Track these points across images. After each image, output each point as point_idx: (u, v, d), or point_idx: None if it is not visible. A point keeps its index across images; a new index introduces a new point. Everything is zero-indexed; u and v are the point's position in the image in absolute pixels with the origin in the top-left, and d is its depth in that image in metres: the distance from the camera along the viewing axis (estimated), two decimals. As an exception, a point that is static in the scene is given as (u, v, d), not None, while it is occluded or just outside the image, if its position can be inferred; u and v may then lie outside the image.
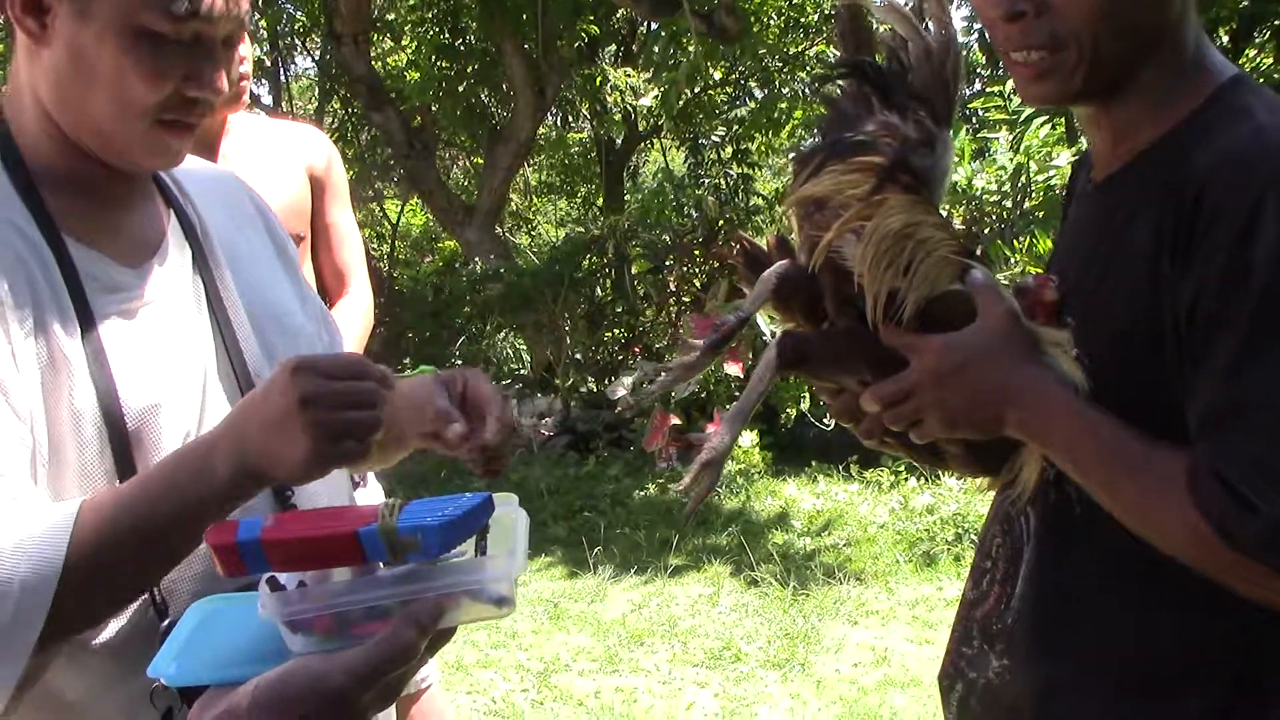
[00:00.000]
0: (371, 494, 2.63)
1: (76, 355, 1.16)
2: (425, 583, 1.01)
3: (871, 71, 1.33)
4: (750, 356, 6.39)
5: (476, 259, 8.70)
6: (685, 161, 9.42)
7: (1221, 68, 1.23)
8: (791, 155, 1.33)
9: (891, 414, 1.27)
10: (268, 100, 10.97)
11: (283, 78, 11.59)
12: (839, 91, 1.37)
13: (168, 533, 1.09)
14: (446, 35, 10.05)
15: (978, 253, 1.28)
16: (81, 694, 1.18)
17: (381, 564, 1.03)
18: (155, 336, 1.25)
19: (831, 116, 1.36)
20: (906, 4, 1.35)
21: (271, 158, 2.74)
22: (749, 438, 6.75)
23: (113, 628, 1.17)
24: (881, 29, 1.35)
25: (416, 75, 9.79)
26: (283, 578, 1.04)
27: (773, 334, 5.68)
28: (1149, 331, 1.15)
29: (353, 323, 2.84)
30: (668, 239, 8.36)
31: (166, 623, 1.15)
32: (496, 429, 1.31)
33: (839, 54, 1.41)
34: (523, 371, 8.81)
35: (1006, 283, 1.29)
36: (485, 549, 1.10)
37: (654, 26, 9.46)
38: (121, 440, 1.17)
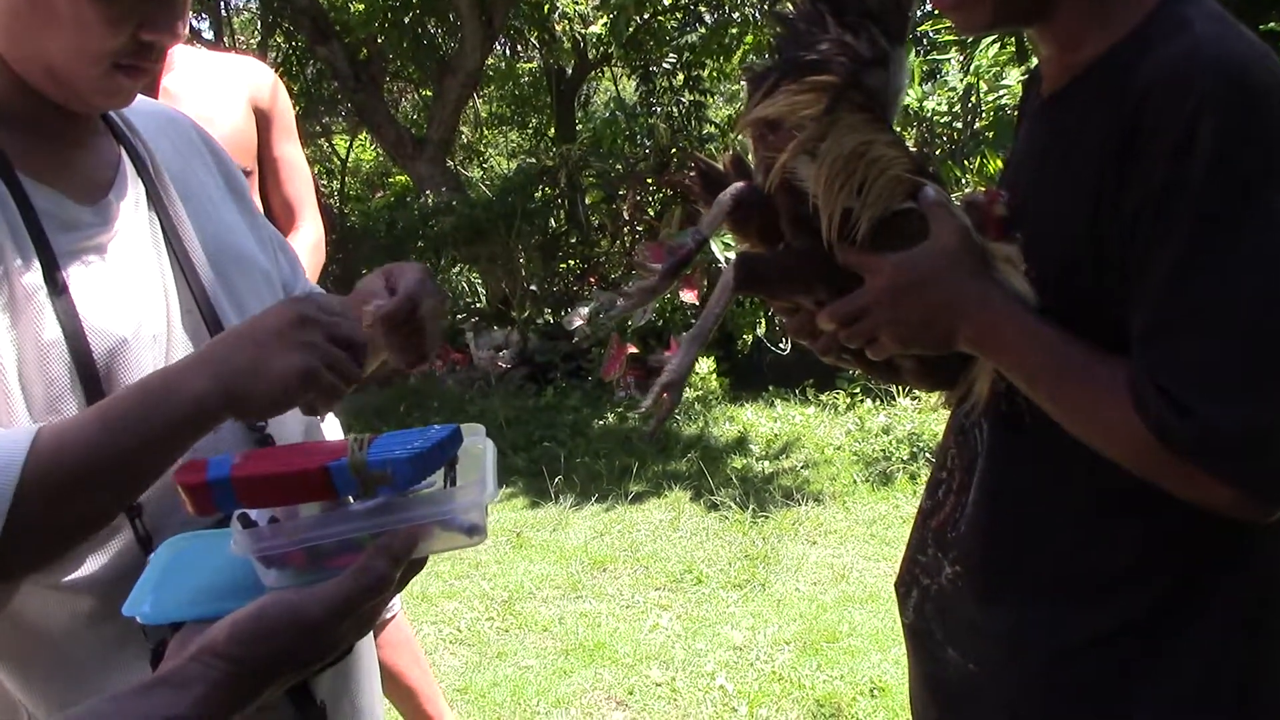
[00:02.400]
0: (331, 428, 2.63)
1: (40, 292, 1.15)
2: (397, 514, 1.02)
3: None
4: (705, 284, 6.41)
5: (428, 192, 8.62)
6: (636, 90, 9.33)
7: None
8: (745, 75, 1.32)
9: (847, 332, 1.29)
10: (209, 35, 10.75)
11: (223, 11, 11.35)
12: (792, 9, 1.37)
13: (128, 460, 1.07)
14: (391, -36, 9.87)
15: (930, 170, 1.29)
16: (67, 629, 1.18)
17: (352, 498, 1.04)
18: (117, 273, 1.24)
19: (785, 35, 1.35)
20: None
21: (215, 92, 2.70)
22: (706, 364, 6.79)
23: (96, 562, 1.17)
24: None
25: (361, 6, 9.61)
26: (254, 513, 1.05)
27: (727, 260, 5.69)
28: (1093, 243, 1.18)
29: (305, 256, 2.81)
30: (620, 168, 8.32)
31: (150, 556, 1.16)
32: (401, 301, 1.25)
33: None
34: (478, 305, 8.78)
35: (958, 199, 1.30)
36: (455, 480, 1.11)
37: (601, -49, 9.34)
38: (90, 376, 1.16)
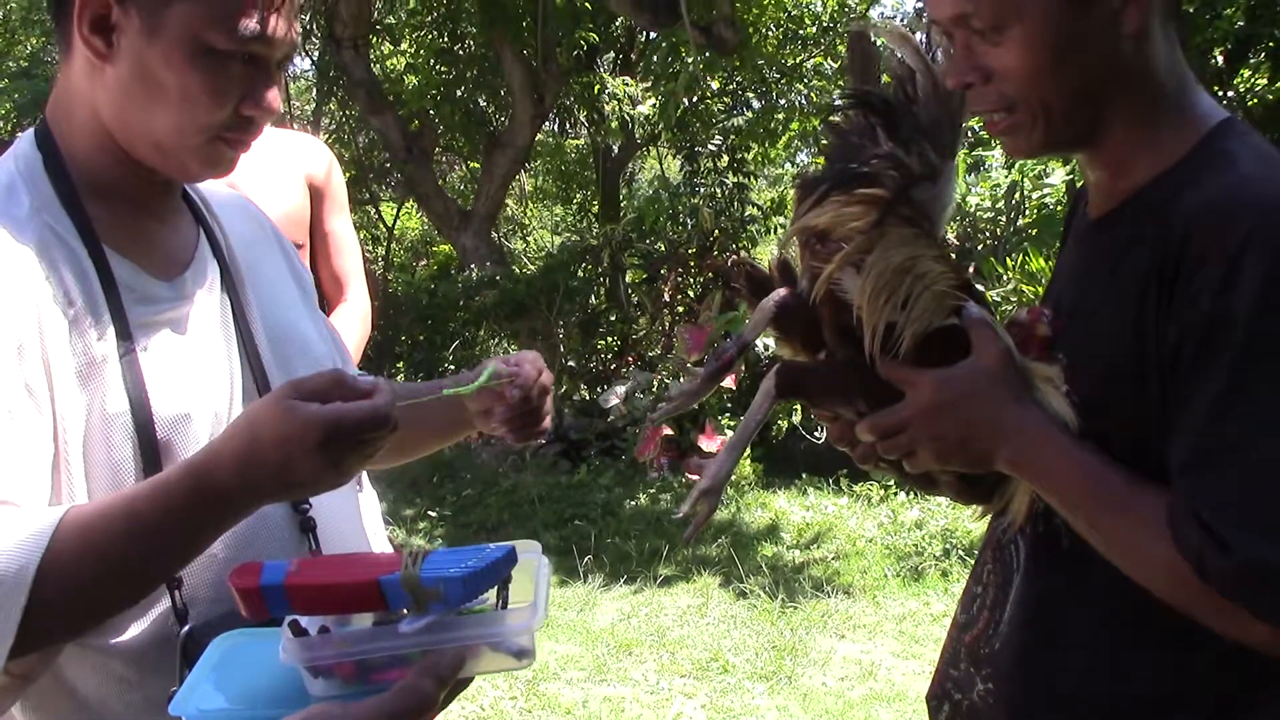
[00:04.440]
0: (367, 498, 2.64)
1: (111, 362, 1.19)
2: (446, 633, 1.02)
3: (878, 103, 1.34)
4: (743, 370, 6.42)
5: (472, 265, 8.70)
6: (681, 170, 9.42)
7: (1210, 112, 1.25)
8: (796, 182, 1.35)
9: (886, 445, 1.30)
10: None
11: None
12: (845, 121, 1.39)
13: (149, 556, 1.10)
14: (446, 40, 10.06)
15: (973, 278, 1.30)
16: (97, 691, 1.20)
17: (403, 612, 1.04)
18: (186, 349, 1.28)
19: (837, 145, 1.38)
20: (915, 34, 1.37)
21: (272, 167, 2.75)
22: (740, 449, 6.75)
23: (132, 631, 1.19)
24: (890, 58, 1.37)
25: (415, 79, 9.80)
26: (304, 620, 1.06)
27: (768, 350, 5.69)
28: (1135, 372, 1.18)
29: (351, 329, 2.85)
30: (662, 248, 8.38)
31: (186, 629, 1.18)
32: (532, 377, 1.44)
33: (847, 82, 1.43)
34: (516, 378, 8.78)
35: (1004, 303, 1.30)
36: (507, 600, 1.11)
37: (653, 36, 9.48)
38: (151, 448, 1.20)
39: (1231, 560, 1.07)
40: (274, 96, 1.27)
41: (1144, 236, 1.19)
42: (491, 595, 1.10)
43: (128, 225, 1.28)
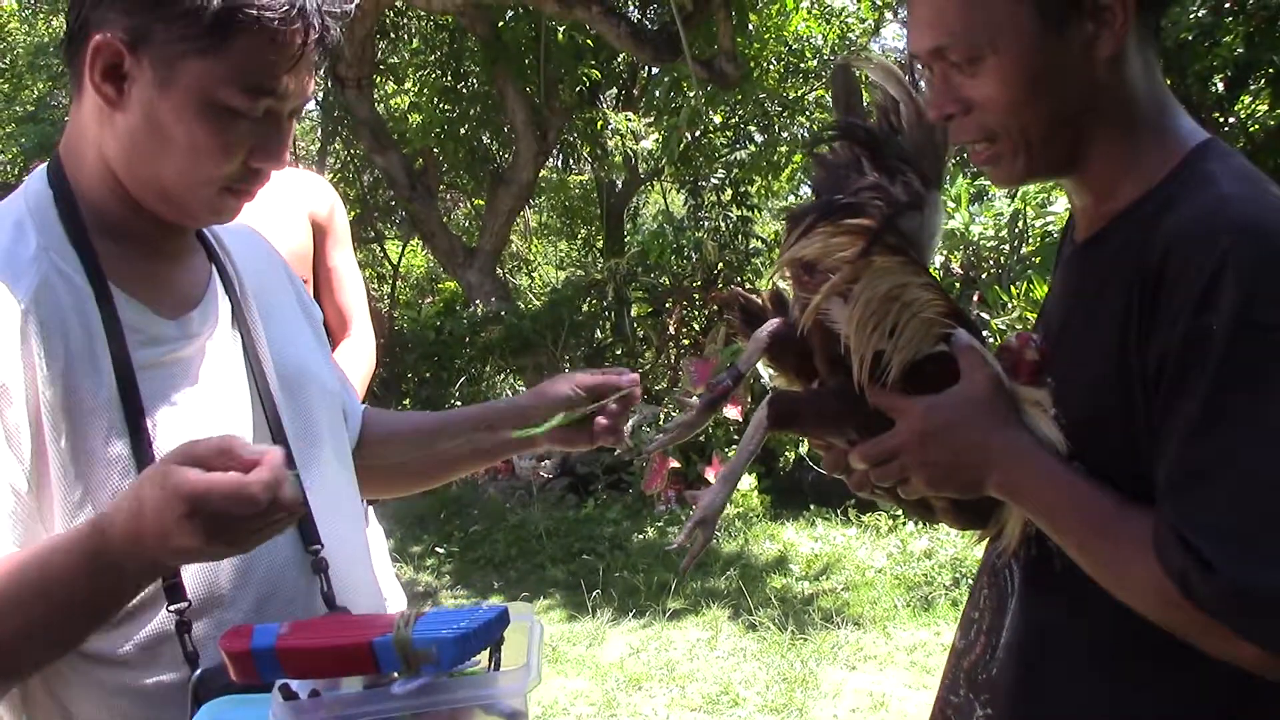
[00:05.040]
0: (374, 534, 2.64)
1: (111, 406, 1.19)
2: (440, 695, 1.02)
3: (862, 134, 1.36)
4: (749, 400, 6.40)
5: (477, 301, 8.73)
6: (685, 204, 9.46)
7: (1190, 133, 1.25)
8: (784, 215, 1.36)
9: (878, 472, 1.31)
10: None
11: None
12: (831, 152, 1.41)
13: (51, 621, 1.08)
14: (449, 79, 10.14)
15: (978, 306, 1.31)
16: None
17: (395, 674, 1.04)
18: (193, 390, 1.28)
19: (823, 177, 1.39)
20: (898, 65, 1.39)
21: (275, 205, 2.76)
22: (748, 481, 6.75)
23: (145, 676, 1.19)
24: (874, 90, 1.39)
25: (419, 118, 9.87)
26: (295, 684, 1.05)
27: (771, 379, 5.69)
28: (1119, 393, 1.18)
29: (356, 365, 2.85)
30: (667, 281, 8.40)
31: (197, 673, 1.17)
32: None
33: (832, 114, 1.44)
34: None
35: (1009, 330, 1.31)
36: (499, 661, 1.11)
37: (655, 71, 9.55)
38: None
39: (1215, 581, 1.06)
40: (283, 149, 1.27)
41: (1126, 258, 1.19)
42: (483, 657, 1.09)
43: (138, 265, 1.28)
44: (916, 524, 6.18)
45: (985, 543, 1.46)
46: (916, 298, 1.27)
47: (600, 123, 9.35)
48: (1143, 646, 1.21)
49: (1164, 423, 1.14)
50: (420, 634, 1.00)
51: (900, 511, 6.23)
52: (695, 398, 1.43)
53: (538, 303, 9.67)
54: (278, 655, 1.00)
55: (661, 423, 6.99)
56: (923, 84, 1.35)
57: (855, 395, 1.30)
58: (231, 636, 1.02)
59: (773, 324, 1.40)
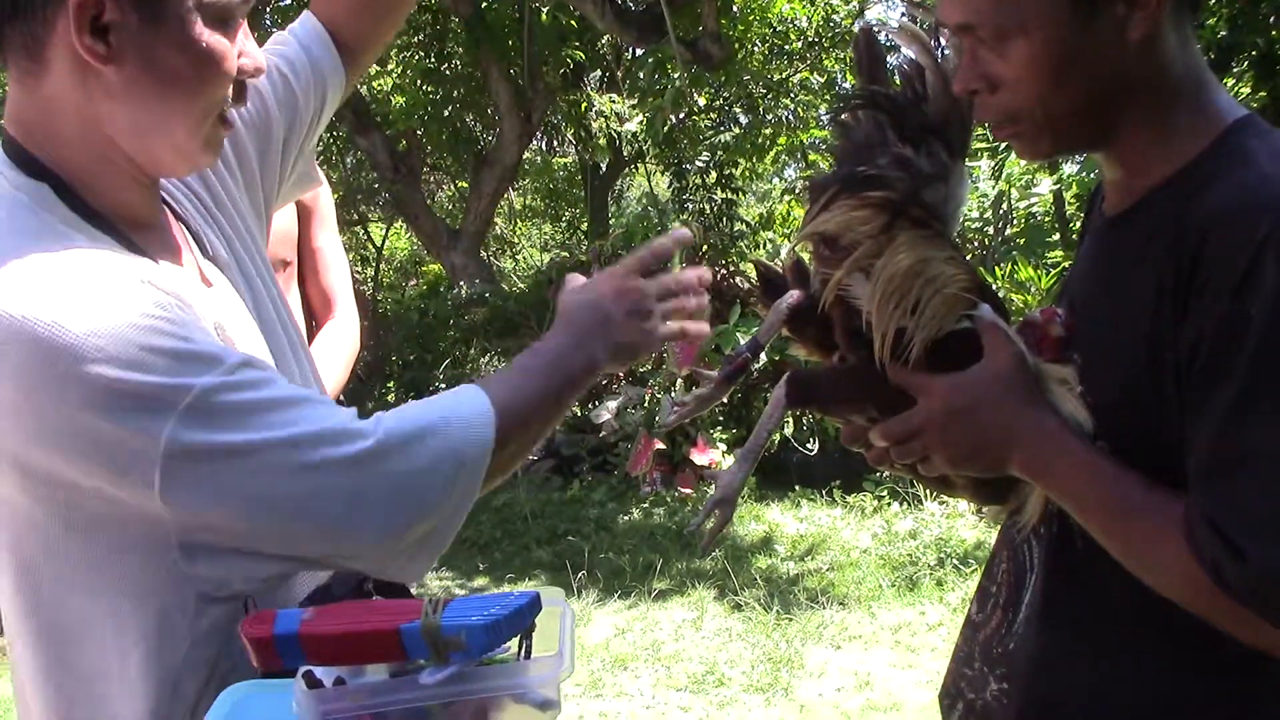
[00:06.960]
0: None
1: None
2: (470, 684, 0.98)
3: (886, 102, 1.31)
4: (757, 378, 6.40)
5: (461, 283, 8.71)
6: (669, 186, 9.44)
7: (1228, 109, 1.22)
8: (805, 185, 1.32)
9: (899, 451, 1.28)
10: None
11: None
12: (853, 121, 1.35)
13: (550, 406, 1.30)
14: (432, 60, 10.09)
15: (989, 286, 1.28)
16: None
17: (422, 661, 1.00)
18: (239, 325, 1.31)
19: (845, 147, 1.35)
20: (924, 30, 1.35)
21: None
22: (731, 462, 6.74)
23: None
24: (898, 55, 1.34)
25: (402, 100, 9.83)
26: (319, 671, 1.02)
27: (763, 361, 5.68)
28: (1151, 374, 1.16)
29: (340, 346, 2.83)
30: (651, 263, 8.37)
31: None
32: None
33: (855, 81, 1.41)
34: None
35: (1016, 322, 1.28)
36: (530, 649, 1.07)
37: (639, 53, 9.52)
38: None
39: (1249, 569, 1.05)
40: (256, 49, 1.26)
41: (1160, 236, 1.17)
42: (513, 644, 1.06)
43: (142, 235, 1.25)
44: (901, 504, 6.21)
45: (983, 524, 1.45)
46: (940, 273, 1.24)
47: (584, 105, 9.32)
48: (1162, 625, 1.20)
49: (1197, 407, 1.11)
50: (449, 620, 0.97)
51: (885, 492, 6.26)
52: (701, 375, 1.40)
53: (522, 285, 9.65)
54: (301, 641, 0.97)
55: (646, 404, 7.00)
56: (949, 51, 1.30)
57: (876, 372, 1.27)
58: (254, 622, 0.99)
59: (793, 296, 1.36)
